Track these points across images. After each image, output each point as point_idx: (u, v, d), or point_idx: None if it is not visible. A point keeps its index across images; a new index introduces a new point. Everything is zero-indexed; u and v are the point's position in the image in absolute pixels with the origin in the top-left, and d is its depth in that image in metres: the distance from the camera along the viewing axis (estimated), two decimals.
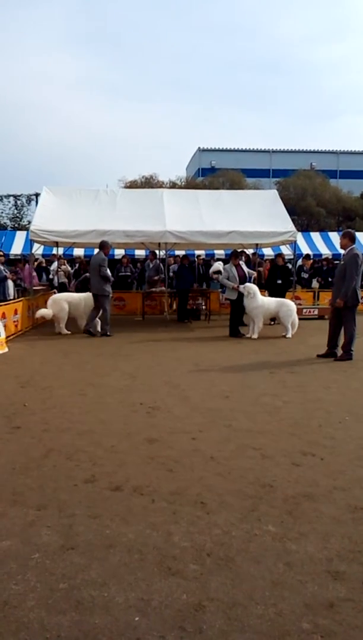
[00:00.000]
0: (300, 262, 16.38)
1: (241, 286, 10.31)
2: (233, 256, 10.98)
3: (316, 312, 13.98)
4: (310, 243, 21.21)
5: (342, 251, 8.65)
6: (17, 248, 19.64)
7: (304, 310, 13.62)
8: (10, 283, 12.12)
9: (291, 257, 14.33)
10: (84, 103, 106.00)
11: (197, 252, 17.44)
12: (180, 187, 32.55)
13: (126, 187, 32.58)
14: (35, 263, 15.37)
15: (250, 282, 10.70)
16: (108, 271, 10.56)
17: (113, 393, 5.74)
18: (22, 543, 2.64)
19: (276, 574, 2.37)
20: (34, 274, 13.76)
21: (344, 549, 2.58)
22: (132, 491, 3.24)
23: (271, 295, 11.72)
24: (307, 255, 17.46)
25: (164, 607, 2.14)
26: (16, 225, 31.03)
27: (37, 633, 1.99)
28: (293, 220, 13.85)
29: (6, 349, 8.60)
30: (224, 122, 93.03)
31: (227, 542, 2.64)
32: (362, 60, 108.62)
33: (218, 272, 13.80)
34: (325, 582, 2.32)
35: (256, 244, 14.45)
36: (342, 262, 7.97)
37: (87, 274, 11.77)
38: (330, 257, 19.11)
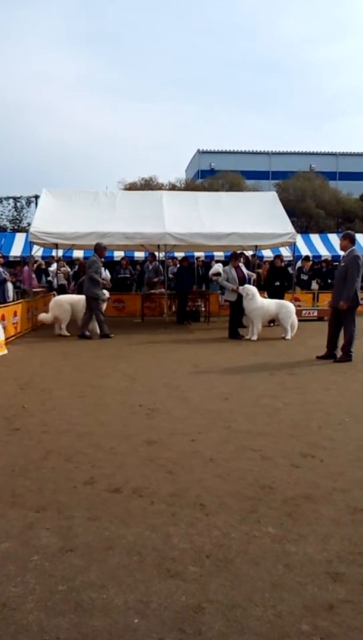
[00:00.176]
0: (299, 263, 16.39)
1: (241, 288, 10.32)
2: (232, 258, 10.99)
3: (315, 313, 13.98)
4: (310, 245, 21.22)
5: (341, 253, 8.66)
6: (16, 250, 19.65)
7: (303, 312, 13.62)
8: (9, 285, 12.13)
9: (291, 258, 14.34)
10: (84, 103, 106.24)
11: (196, 254, 17.46)
12: (179, 189, 32.55)
13: (126, 189, 32.59)
14: (35, 265, 15.37)
15: (249, 283, 10.71)
16: (97, 275, 10.35)
17: (112, 395, 5.74)
18: (21, 545, 2.64)
19: (276, 576, 2.37)
20: (33, 275, 13.75)
21: (344, 551, 2.58)
22: (131, 493, 3.24)
23: (270, 296, 11.73)
24: (307, 257, 17.48)
25: (163, 609, 2.14)
26: (16, 227, 31.04)
27: (36, 635, 1.99)
28: (292, 221, 13.86)
29: (5, 351, 8.60)
30: (224, 122, 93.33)
31: (226, 544, 2.64)
32: (362, 60, 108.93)
33: (218, 273, 13.82)
34: (324, 583, 2.32)
35: (256, 246, 14.45)
36: (343, 264, 7.97)
37: None
38: (330, 258, 19.14)
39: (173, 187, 34.81)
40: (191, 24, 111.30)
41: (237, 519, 2.90)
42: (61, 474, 3.55)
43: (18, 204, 32.70)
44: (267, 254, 18.05)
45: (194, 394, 5.75)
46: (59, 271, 15.72)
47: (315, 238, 22.21)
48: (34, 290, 13.09)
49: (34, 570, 2.42)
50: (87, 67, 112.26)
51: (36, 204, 17.75)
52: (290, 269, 14.10)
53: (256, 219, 12.51)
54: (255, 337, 10.18)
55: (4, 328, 9.24)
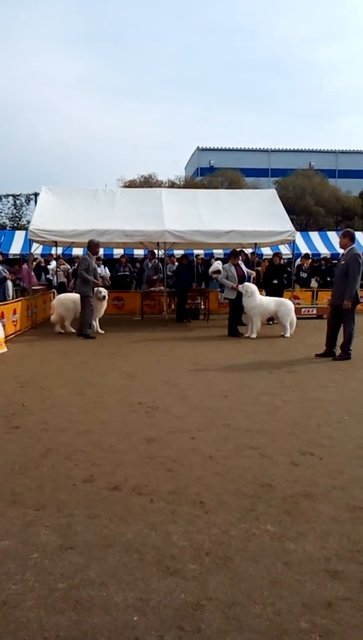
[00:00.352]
0: (298, 261, 16.39)
1: (240, 285, 10.32)
2: (232, 255, 10.99)
3: (314, 311, 13.99)
4: (309, 242, 21.24)
5: (340, 250, 8.65)
6: (16, 248, 19.66)
7: (303, 310, 13.62)
8: (9, 284, 12.12)
9: (290, 256, 14.34)
10: (84, 103, 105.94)
11: (196, 252, 17.45)
12: (179, 187, 32.55)
13: (125, 186, 32.56)
14: (35, 263, 15.37)
15: (248, 281, 10.71)
16: (88, 272, 10.19)
17: (112, 393, 5.74)
18: (21, 543, 2.64)
19: (275, 574, 2.38)
20: (32, 273, 13.75)
21: (343, 549, 2.58)
22: (130, 491, 3.24)
23: (268, 294, 11.73)
24: (306, 255, 17.48)
25: (162, 606, 2.15)
26: (15, 225, 31.04)
27: (36, 633, 1.99)
28: (291, 219, 13.86)
29: (5, 349, 8.60)
30: (224, 121, 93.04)
31: (226, 542, 2.64)
32: (362, 60, 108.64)
33: (217, 271, 13.81)
34: (323, 581, 2.32)
35: (255, 244, 14.45)
36: (343, 262, 7.95)
37: None
38: (329, 256, 19.15)
39: (172, 185, 34.81)
40: (191, 24, 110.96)
41: (236, 517, 2.90)
42: (60, 472, 3.55)
43: (17, 202, 32.72)
44: (266, 251, 18.06)
45: (193, 392, 5.75)
46: (58, 269, 15.72)
47: (314, 236, 22.24)
48: (34, 288, 13.09)
49: (33, 568, 2.42)
50: (87, 67, 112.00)
51: (36, 202, 17.74)
52: (289, 267, 14.10)
53: (256, 216, 12.50)
54: (254, 335, 10.18)
55: (4, 326, 9.24)
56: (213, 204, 13.19)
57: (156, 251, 15.11)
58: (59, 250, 15.38)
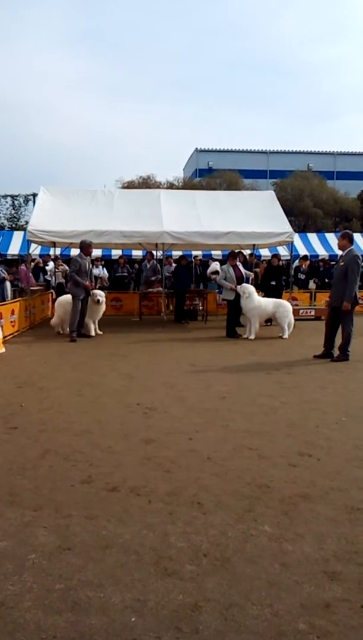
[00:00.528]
0: (296, 263, 16.40)
1: (238, 287, 10.33)
2: (230, 257, 11.00)
3: (313, 312, 14.00)
4: (307, 244, 21.25)
5: (339, 252, 8.66)
6: (14, 248, 19.62)
7: (301, 311, 13.64)
8: (7, 284, 12.11)
9: (288, 257, 14.36)
10: (84, 103, 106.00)
11: (194, 253, 17.46)
12: (177, 188, 32.53)
13: (124, 187, 32.57)
14: (33, 263, 15.36)
15: (247, 282, 10.72)
16: (77, 273, 10.13)
17: (110, 393, 5.74)
18: (19, 543, 2.64)
19: (273, 575, 2.38)
20: (30, 274, 13.73)
21: (340, 550, 2.59)
22: (128, 492, 3.24)
23: (267, 295, 11.74)
24: (304, 256, 17.49)
25: (160, 607, 2.14)
26: (14, 225, 31.01)
27: (34, 634, 1.99)
28: (290, 221, 13.87)
29: (3, 349, 8.59)
30: (223, 122, 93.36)
31: (223, 543, 2.64)
32: (362, 60, 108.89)
33: (216, 272, 13.82)
34: (321, 582, 2.32)
35: (254, 245, 14.46)
36: (342, 263, 7.96)
37: None
38: (327, 258, 19.15)
39: (170, 186, 34.81)
40: (191, 24, 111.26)
41: (234, 518, 2.90)
42: (58, 472, 3.54)
43: (16, 202, 32.70)
44: (265, 253, 18.08)
45: (191, 393, 5.75)
46: (56, 269, 15.70)
47: (312, 237, 22.25)
48: (32, 288, 13.08)
49: (31, 569, 2.42)
50: (87, 67, 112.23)
51: (34, 202, 17.73)
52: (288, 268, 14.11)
53: (254, 218, 12.51)
54: (252, 336, 10.19)
55: (2, 326, 9.23)
56: (212, 205, 13.20)
57: (154, 252, 15.11)
58: (58, 251, 15.37)
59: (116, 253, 18.01)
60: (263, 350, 8.90)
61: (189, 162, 51.71)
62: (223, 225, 12.07)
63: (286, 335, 10.29)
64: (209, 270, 15.95)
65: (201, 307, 14.07)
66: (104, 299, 10.74)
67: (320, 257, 19.43)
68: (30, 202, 30.52)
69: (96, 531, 2.76)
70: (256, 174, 42.26)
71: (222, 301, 12.34)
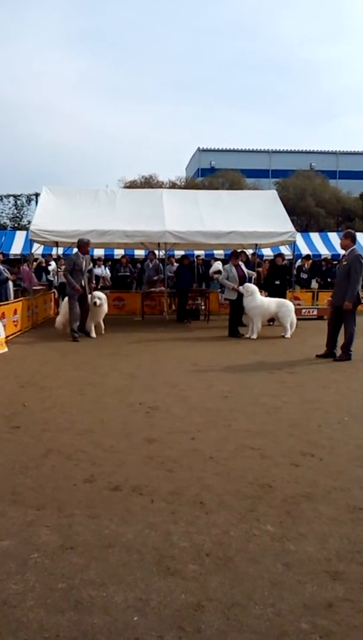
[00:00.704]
0: (299, 262, 16.39)
1: (241, 286, 10.32)
2: (232, 256, 10.99)
3: (315, 312, 13.98)
4: (310, 243, 21.21)
5: (341, 251, 8.65)
6: (17, 248, 19.63)
7: (303, 311, 13.63)
8: (10, 284, 12.12)
9: (291, 257, 14.35)
10: (84, 103, 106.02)
11: (196, 252, 17.46)
12: (180, 187, 32.55)
13: (126, 187, 32.59)
14: (35, 263, 15.37)
15: (249, 282, 10.72)
16: (71, 273, 10.03)
17: (112, 393, 5.75)
18: (21, 543, 2.64)
19: (275, 574, 2.37)
20: (33, 273, 13.75)
21: (343, 549, 2.58)
22: (131, 491, 3.24)
23: (270, 295, 11.73)
24: (307, 256, 17.48)
25: (163, 607, 2.15)
26: (16, 225, 31.02)
27: (36, 632, 2.00)
28: (292, 220, 13.85)
29: (6, 349, 8.60)
30: (224, 122, 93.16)
31: (226, 542, 2.64)
32: (362, 60, 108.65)
33: (218, 272, 13.82)
34: (323, 582, 2.32)
35: (256, 245, 14.45)
36: (345, 263, 7.95)
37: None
38: (330, 257, 19.13)
39: (173, 185, 34.82)
40: (191, 24, 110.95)
41: (237, 518, 2.90)
42: (61, 472, 3.55)
43: (18, 202, 32.69)
44: (267, 252, 18.05)
45: (194, 393, 5.75)
46: (59, 269, 15.71)
47: (315, 237, 22.20)
48: (34, 288, 13.09)
49: (34, 568, 2.42)
50: (87, 67, 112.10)
51: (37, 202, 17.75)
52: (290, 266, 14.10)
53: (256, 217, 12.50)
54: (254, 336, 10.19)
55: (5, 326, 9.25)
56: (214, 205, 13.19)
57: (156, 252, 15.11)
58: (60, 251, 15.38)
59: (119, 253, 18.02)
60: (265, 349, 8.89)
61: (192, 161, 51.69)
62: (225, 225, 12.06)
63: (288, 335, 10.28)
64: (211, 270, 15.94)
65: (203, 307, 14.07)
66: (103, 301, 10.56)
67: (322, 257, 19.40)
68: (33, 202, 30.51)
69: (99, 530, 2.76)
70: (258, 174, 42.25)
71: (224, 301, 12.35)
